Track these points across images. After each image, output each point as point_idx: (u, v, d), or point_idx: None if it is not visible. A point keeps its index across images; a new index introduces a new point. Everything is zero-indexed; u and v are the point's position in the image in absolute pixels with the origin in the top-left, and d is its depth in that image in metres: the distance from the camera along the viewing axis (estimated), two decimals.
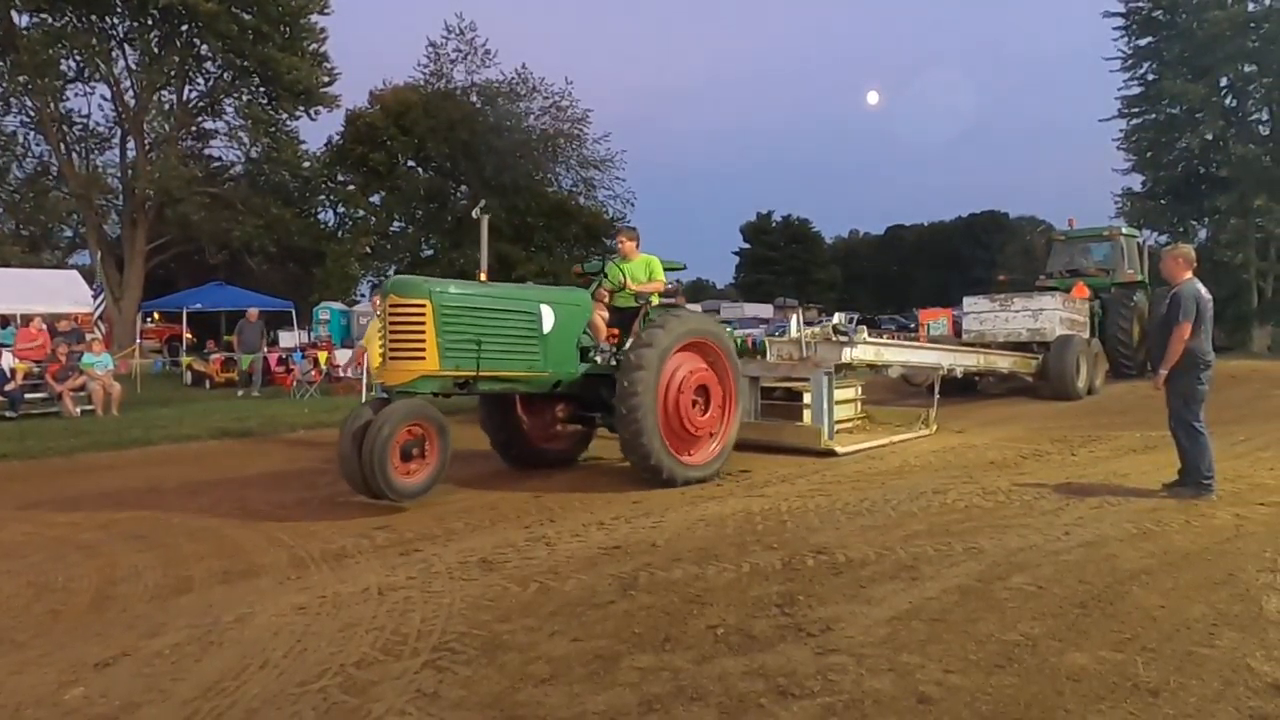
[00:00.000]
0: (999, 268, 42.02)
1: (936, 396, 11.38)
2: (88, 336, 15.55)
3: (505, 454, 8.46)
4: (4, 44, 29.27)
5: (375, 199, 35.58)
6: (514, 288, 7.72)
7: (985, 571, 4.94)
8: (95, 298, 18.53)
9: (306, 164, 34.13)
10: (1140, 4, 35.48)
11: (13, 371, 13.19)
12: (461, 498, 7.27)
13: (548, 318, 7.30)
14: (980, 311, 16.26)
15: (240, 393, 17.44)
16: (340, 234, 35.91)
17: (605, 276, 8.40)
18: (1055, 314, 15.65)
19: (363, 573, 5.13)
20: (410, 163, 35.16)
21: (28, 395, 13.31)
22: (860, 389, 11.54)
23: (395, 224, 36.05)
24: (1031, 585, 4.68)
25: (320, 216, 37.23)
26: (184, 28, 31.34)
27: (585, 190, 35.84)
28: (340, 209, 36.45)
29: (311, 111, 33.36)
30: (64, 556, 5.66)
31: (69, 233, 36.02)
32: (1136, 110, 36.50)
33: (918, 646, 3.86)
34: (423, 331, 6.57)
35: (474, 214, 8.59)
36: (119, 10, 31.09)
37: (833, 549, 5.42)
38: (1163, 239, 34.20)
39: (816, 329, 10.68)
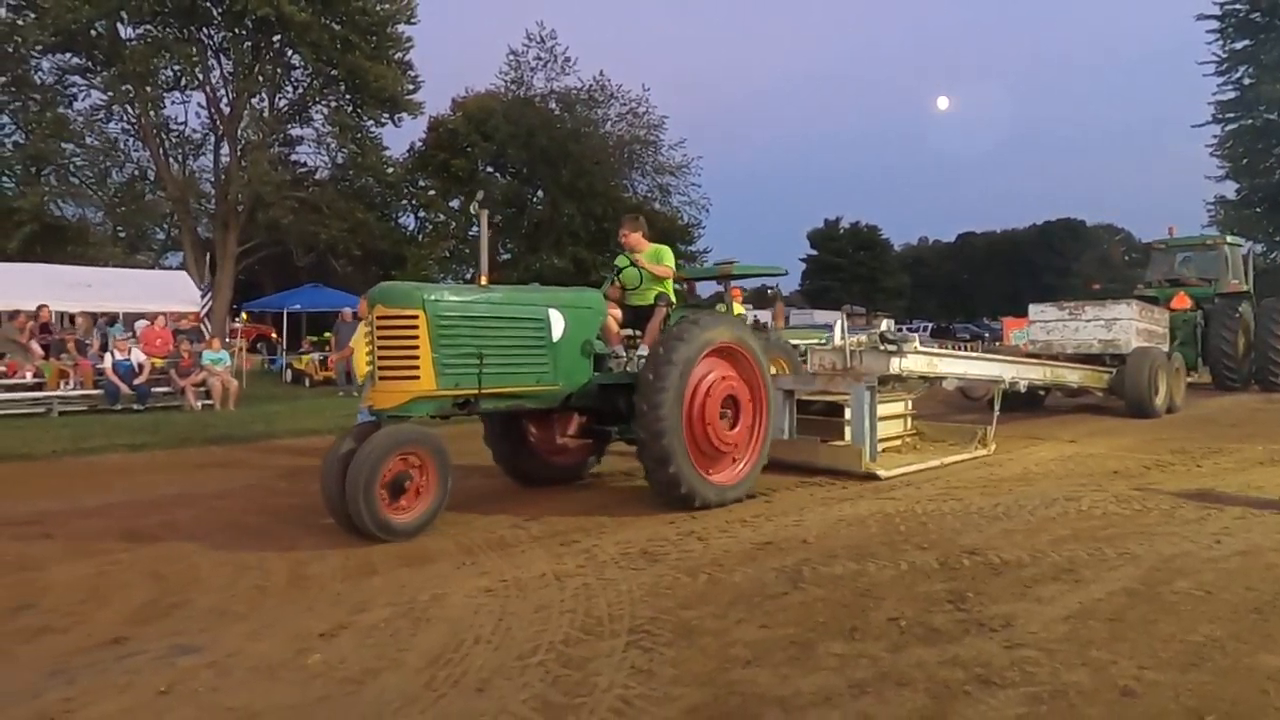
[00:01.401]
0: (1078, 276, 41.19)
1: (996, 412, 10.51)
2: (206, 334, 16.27)
3: (511, 470, 7.80)
4: (110, 54, 30.59)
5: (454, 203, 36.34)
6: (518, 292, 6.95)
7: (1146, 576, 4.99)
8: (203, 298, 19.30)
9: (390, 169, 34.98)
10: (1237, 6, 34.54)
11: (140, 366, 13.89)
12: (579, 498, 7.49)
13: (557, 324, 6.62)
14: (1047, 320, 15.05)
15: (340, 391, 18.04)
16: (420, 238, 36.74)
17: (616, 273, 7.67)
18: (1131, 324, 14.45)
19: (532, 560, 5.38)
20: (489, 168, 35.87)
21: (153, 389, 13.98)
22: (910, 403, 10.63)
23: (474, 228, 36.71)
24: (1198, 590, 4.72)
25: (401, 221, 38.12)
26: (276, 38, 32.44)
27: (660, 196, 36.10)
28: (421, 213, 37.26)
29: (395, 118, 34.21)
30: (241, 539, 6.02)
31: (161, 235, 37.53)
32: (1232, 115, 35.53)
33: (1103, 644, 3.95)
34: (416, 347, 5.85)
35: (471, 208, 8.61)
36: (216, 21, 32.30)
37: (984, 550, 5.51)
38: (1259, 248, 33.21)
39: (863, 337, 9.96)
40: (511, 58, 34.56)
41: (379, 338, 5.95)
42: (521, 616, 4.33)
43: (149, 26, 30.99)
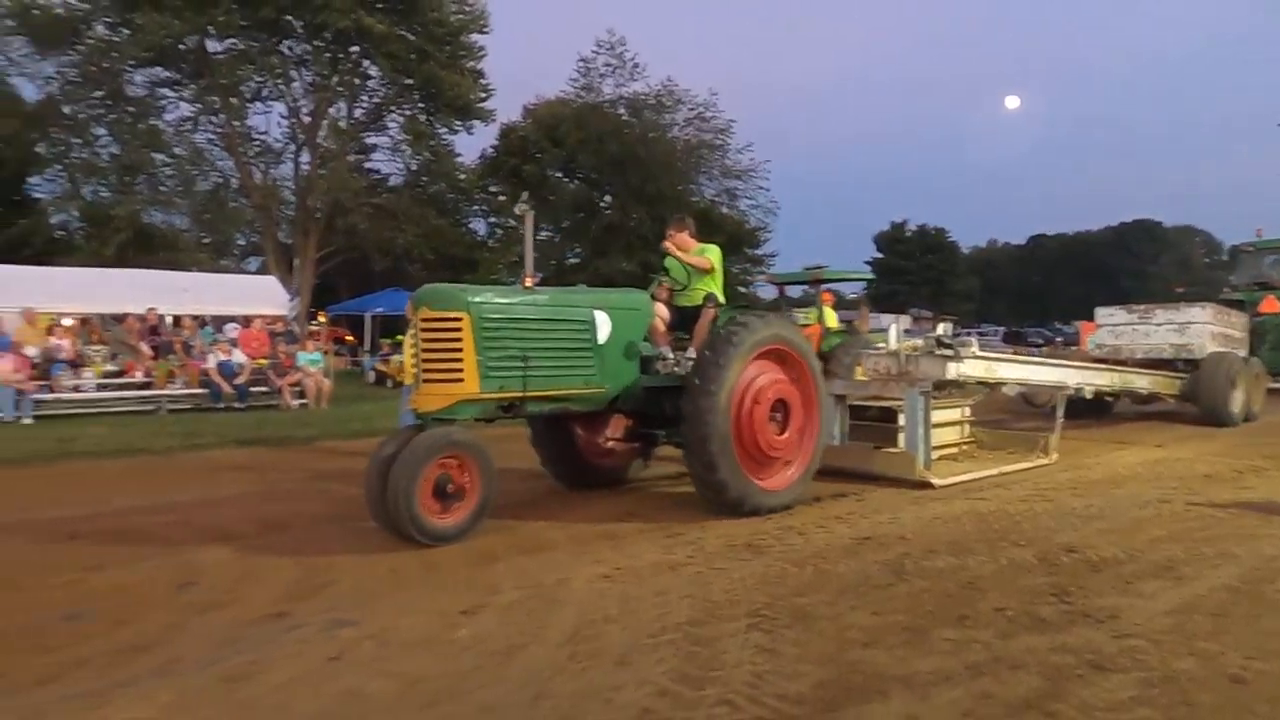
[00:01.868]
0: (1156, 279, 40.17)
1: (1060, 420, 10.10)
2: (298, 337, 17.01)
3: (557, 473, 7.76)
4: (198, 68, 31.87)
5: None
6: (564, 293, 6.91)
7: (1248, 575, 5.08)
8: (290, 301, 20.09)
9: (462, 176, 35.74)
10: None
11: (240, 367, 14.60)
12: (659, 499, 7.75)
13: (603, 326, 6.54)
14: (1116, 324, 14.42)
15: None
16: (490, 242, 37.47)
17: (665, 273, 7.52)
18: (1205, 328, 13.74)
19: (642, 550, 5.67)
20: (558, 174, 36.45)
21: (252, 389, 14.69)
22: (968, 410, 10.24)
23: (543, 232, 37.32)
24: None
25: (472, 225, 38.91)
26: (353, 49, 33.44)
27: (727, 200, 36.28)
28: (491, 219, 37.99)
29: (468, 125, 34.95)
30: (366, 526, 6.38)
31: (241, 240, 38.92)
32: None
33: (1209, 636, 4.09)
34: (460, 349, 5.81)
35: (516, 209, 8.68)
36: (297, 33, 33.42)
37: (1082, 548, 5.64)
38: None
39: (919, 340, 9.60)
40: (581, 64, 35.08)
41: (423, 340, 5.91)
42: (643, 600, 4.62)
43: (234, 41, 32.20)
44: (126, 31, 30.09)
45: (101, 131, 32.33)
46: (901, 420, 8.50)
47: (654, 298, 7.28)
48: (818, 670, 3.68)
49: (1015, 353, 14.66)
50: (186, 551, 5.74)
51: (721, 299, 7.37)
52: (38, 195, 34.52)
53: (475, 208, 38.00)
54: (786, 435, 6.90)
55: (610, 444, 7.57)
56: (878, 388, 8.79)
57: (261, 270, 37.45)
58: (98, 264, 26.95)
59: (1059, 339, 41.25)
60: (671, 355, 7.01)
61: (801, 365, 7.13)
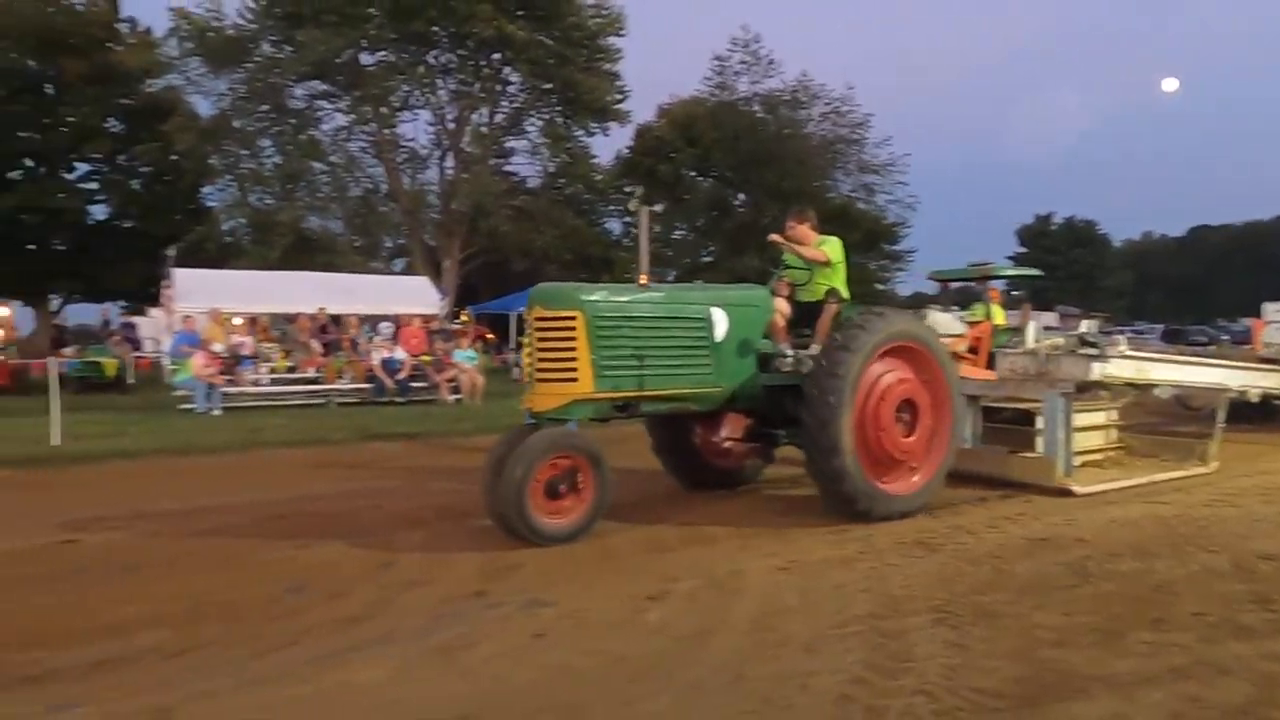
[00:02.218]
0: None
1: (1220, 425, 9.15)
2: (451, 335, 17.84)
3: (675, 473, 7.62)
4: (352, 80, 33.63)
5: (658, 207, 37.32)
6: (680, 290, 6.80)
7: None
8: (441, 301, 21.02)
9: (598, 176, 36.40)
10: None
11: (402, 363, 15.43)
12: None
13: (720, 323, 6.37)
14: None
15: None
16: (625, 241, 38.03)
17: (785, 267, 7.24)
18: None
19: (812, 545, 5.75)
20: (692, 173, 36.63)
21: (412, 384, 15.49)
22: (1116, 413, 9.42)
23: (677, 231, 37.59)
24: None
25: (607, 226, 39.58)
26: (494, 56, 34.55)
27: (865, 195, 35.61)
28: (626, 218, 38.50)
29: (604, 127, 35.56)
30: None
31: (389, 243, 40.82)
32: None
33: None
34: (574, 348, 5.74)
35: (630, 206, 8.51)
36: (443, 43, 34.79)
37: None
38: None
39: (1060, 339, 9.02)
40: (716, 63, 35.09)
41: (537, 340, 5.89)
42: (821, 592, 4.72)
43: (384, 53, 33.82)
44: (289, 48, 32.15)
45: (267, 143, 34.53)
46: (1040, 423, 7.99)
47: (774, 293, 7.00)
48: (1011, 667, 3.69)
49: (1177, 352, 13.69)
50: (381, 534, 6.16)
51: (845, 294, 7.11)
52: (210, 204, 37.28)
53: (610, 208, 38.64)
54: (914, 437, 6.60)
55: (728, 444, 7.39)
56: (1013, 388, 8.26)
57: (407, 271, 39.26)
58: (263, 267, 29.00)
59: (1225, 337, 38.60)
60: (792, 353, 6.76)
61: (933, 364, 6.78)
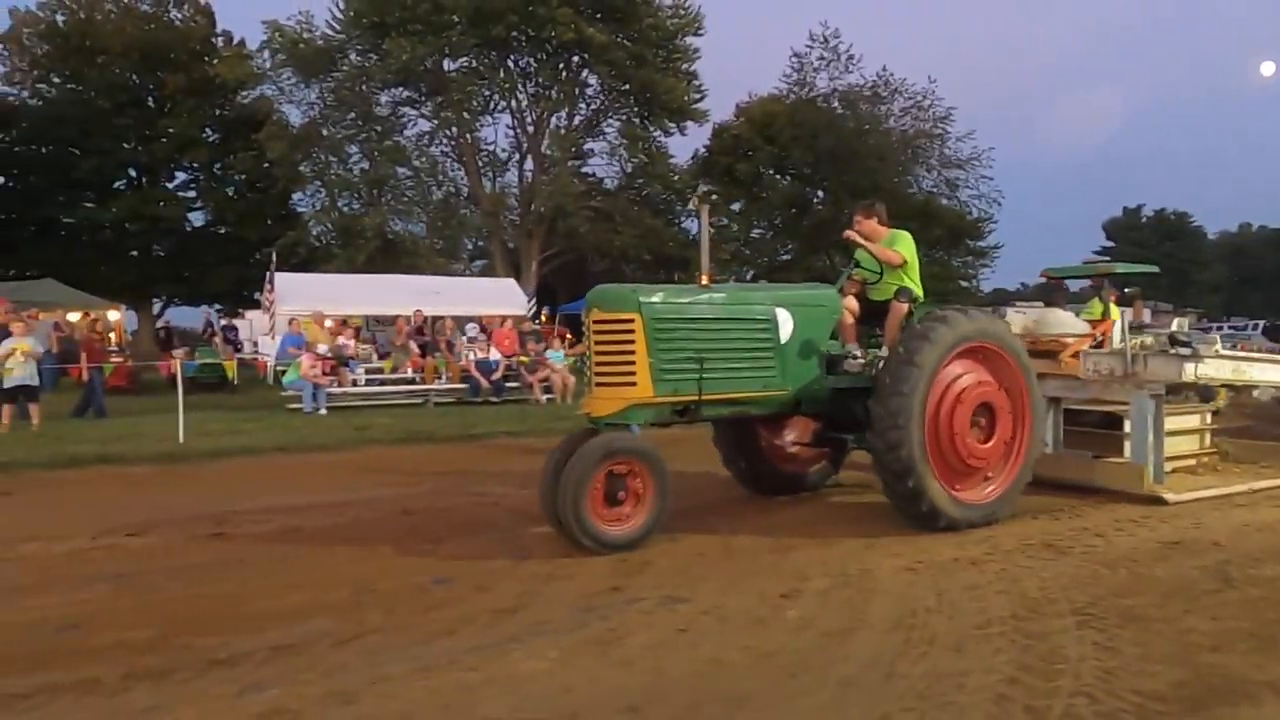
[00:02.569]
0: None
1: None
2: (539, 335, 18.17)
3: (742, 477, 7.41)
4: (434, 86, 34.32)
5: (736, 206, 37.31)
6: (743, 290, 6.55)
7: None
8: (528, 303, 21.39)
9: (676, 176, 36.48)
10: None
11: (496, 364, 15.80)
12: None
13: (785, 324, 6.17)
14: None
15: None
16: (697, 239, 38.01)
17: (855, 265, 6.98)
18: None
19: (936, 546, 5.75)
20: (770, 171, 36.48)
21: (506, 384, 15.84)
22: (1210, 417, 8.79)
23: (755, 230, 37.48)
24: None
25: (684, 225, 39.60)
26: (573, 59, 34.91)
27: (948, 190, 35.00)
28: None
29: (682, 127, 35.64)
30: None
31: (471, 245, 41.57)
32: None
33: None
34: (632, 352, 5.62)
35: (691, 205, 8.18)
36: (522, 47, 35.29)
37: None
38: None
39: (1149, 338, 8.68)
40: (795, 59, 34.91)
41: (595, 343, 5.78)
42: (956, 593, 4.74)
43: (465, 59, 34.42)
44: (375, 57, 33.02)
45: (353, 150, 35.51)
46: (1128, 427, 7.58)
47: (842, 292, 6.76)
48: (1169, 670, 3.67)
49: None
50: (508, 530, 6.37)
51: (918, 292, 6.81)
52: (299, 209, 38.53)
53: (688, 207, 38.67)
54: (991, 444, 6.31)
55: (795, 449, 7.26)
56: (1098, 390, 7.80)
57: (486, 273, 39.95)
58: (351, 270, 29.87)
59: None
60: (861, 354, 6.60)
61: (1012, 367, 6.49)
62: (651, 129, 35.79)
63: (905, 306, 6.54)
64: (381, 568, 5.42)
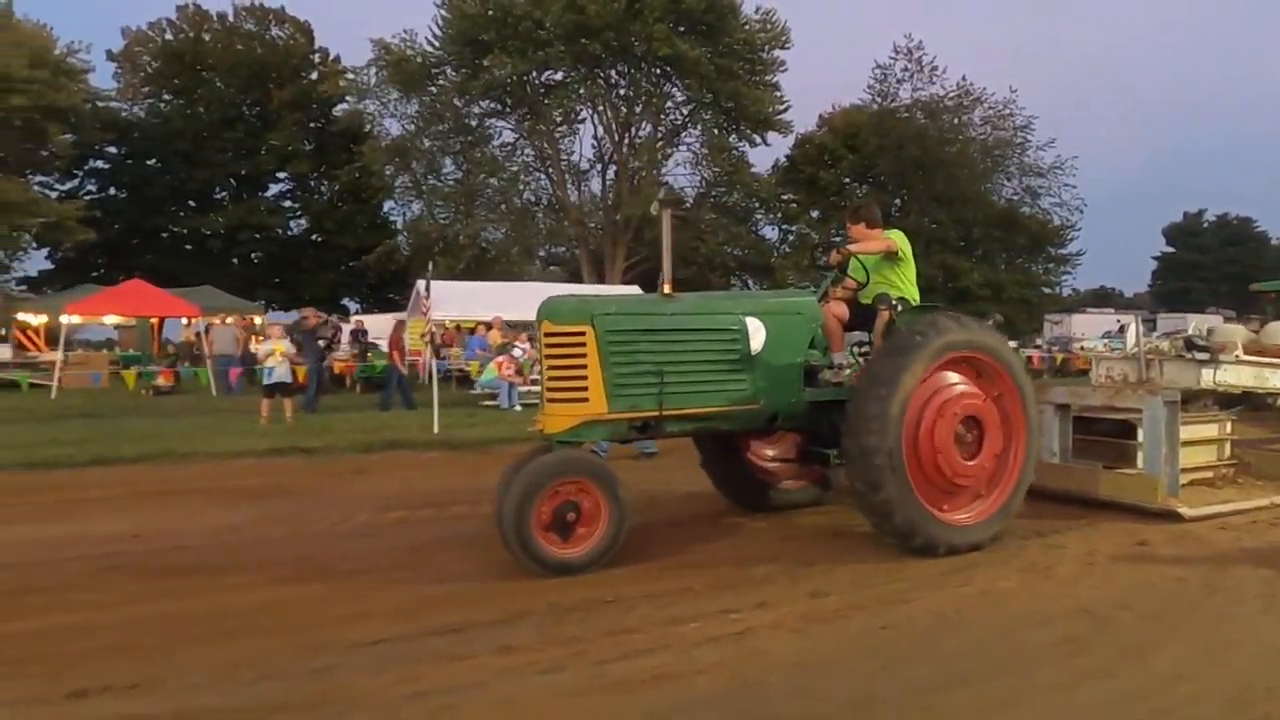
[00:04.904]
0: None
1: None
2: None
3: (731, 495, 7.08)
4: (522, 98, 35.50)
5: (815, 213, 38.27)
6: (709, 299, 6.30)
7: None
8: None
9: (757, 185, 37.45)
10: None
11: None
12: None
13: (756, 335, 5.81)
14: None
15: None
16: (783, 248, 39.04)
17: (840, 272, 6.40)
18: None
19: (1060, 548, 5.83)
20: (847, 179, 37.38)
21: None
22: (1230, 426, 8.00)
23: (835, 237, 38.37)
24: None
25: (762, 233, 40.60)
26: (656, 71, 36.00)
27: (1028, 199, 35.71)
28: (784, 226, 39.50)
29: (764, 137, 36.60)
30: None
31: (545, 251, 42.83)
32: None
33: None
34: (584, 366, 5.27)
35: (652, 209, 7.20)
36: (609, 62, 36.45)
37: None
38: None
39: (1164, 342, 8.30)
40: (878, 70, 35.79)
41: (546, 356, 5.48)
42: (1161, 588, 4.96)
43: (552, 72, 35.57)
44: (465, 71, 34.30)
45: (447, 162, 36.87)
46: (1141, 436, 6.99)
47: (826, 298, 6.36)
48: None
49: None
50: (686, 525, 6.62)
51: (909, 294, 6.28)
52: (393, 218, 40.11)
53: (768, 216, 39.70)
54: (978, 460, 5.82)
55: (773, 465, 6.95)
56: (1109, 396, 7.38)
57: (570, 279, 41.15)
58: (448, 277, 31.18)
59: None
60: (846, 362, 6.17)
61: (1005, 379, 6.02)
62: (736, 139, 36.82)
63: (886, 313, 6.06)
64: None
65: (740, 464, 6.95)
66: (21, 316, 23.42)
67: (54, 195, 33.42)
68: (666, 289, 5.97)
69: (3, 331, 21.88)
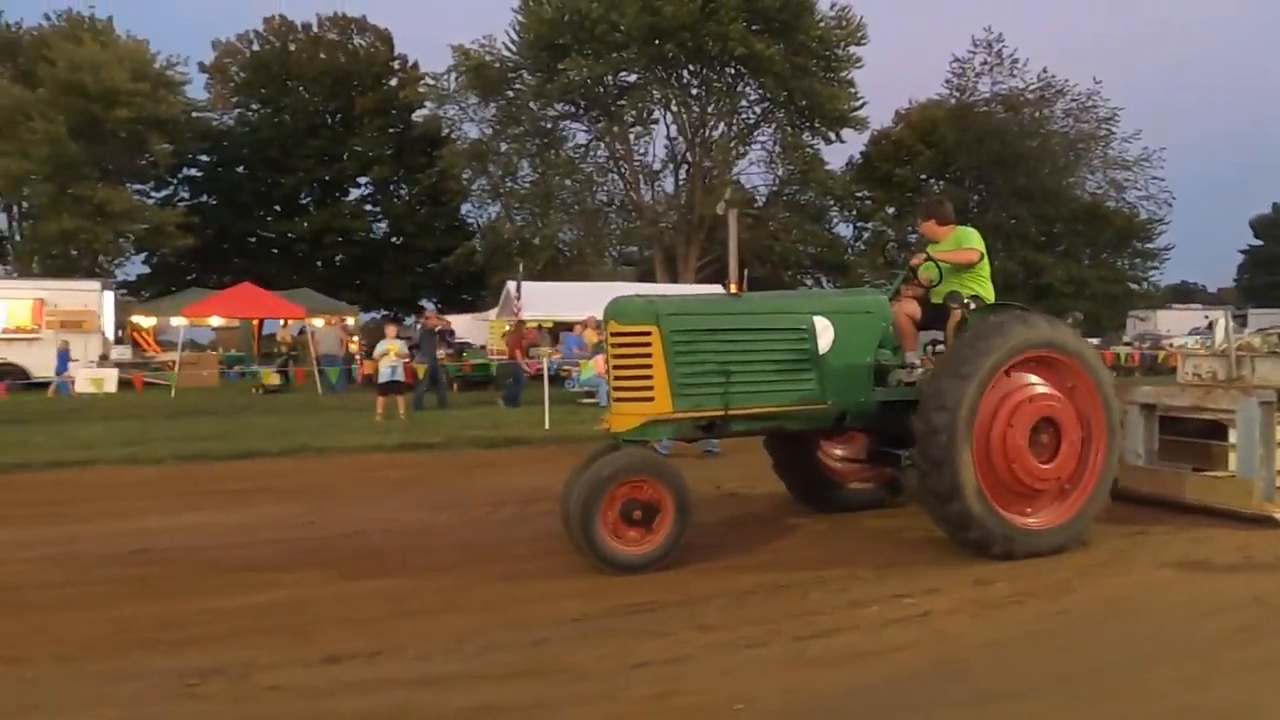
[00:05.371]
0: None
1: None
2: None
3: (800, 494, 6.99)
4: (594, 100, 35.87)
5: (891, 210, 37.99)
6: (776, 298, 6.31)
7: None
8: None
9: (832, 182, 37.28)
10: None
11: None
12: None
13: (824, 334, 5.76)
14: None
15: None
16: (857, 245, 38.82)
17: (911, 271, 6.32)
18: None
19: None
20: (923, 175, 37.02)
21: None
22: None
23: (911, 234, 38.01)
24: None
25: (835, 230, 40.40)
26: (730, 70, 36.07)
27: (1113, 192, 34.96)
28: (858, 223, 39.27)
29: (839, 134, 36.42)
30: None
31: (617, 250, 43.20)
32: None
33: None
34: (649, 365, 5.33)
35: (718, 209, 6.95)
36: (681, 61, 36.61)
37: None
38: None
39: (1255, 339, 7.99)
40: (956, 65, 35.37)
41: (613, 356, 5.60)
42: None
43: (626, 73, 35.87)
44: (541, 74, 34.81)
45: (524, 164, 37.47)
46: (1233, 437, 6.66)
47: (898, 296, 6.25)
48: None
49: None
50: (777, 524, 6.60)
51: (984, 292, 6.15)
52: (470, 220, 40.96)
53: (842, 213, 39.53)
54: (1056, 462, 5.66)
55: (842, 465, 6.91)
56: (1197, 396, 7.08)
57: (642, 278, 41.49)
58: (528, 277, 31.74)
59: None
60: (918, 363, 6.09)
61: (1083, 378, 5.83)
62: (810, 137, 36.69)
63: (958, 313, 5.97)
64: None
65: (810, 462, 6.88)
66: (134, 319, 24.59)
67: (149, 203, 34.97)
68: (734, 289, 6.31)
69: (119, 333, 23.05)
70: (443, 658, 3.88)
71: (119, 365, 19.07)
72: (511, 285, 21.08)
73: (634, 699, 3.46)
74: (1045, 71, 34.23)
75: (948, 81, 35.74)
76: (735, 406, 5.48)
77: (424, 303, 45.58)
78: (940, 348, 6.19)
